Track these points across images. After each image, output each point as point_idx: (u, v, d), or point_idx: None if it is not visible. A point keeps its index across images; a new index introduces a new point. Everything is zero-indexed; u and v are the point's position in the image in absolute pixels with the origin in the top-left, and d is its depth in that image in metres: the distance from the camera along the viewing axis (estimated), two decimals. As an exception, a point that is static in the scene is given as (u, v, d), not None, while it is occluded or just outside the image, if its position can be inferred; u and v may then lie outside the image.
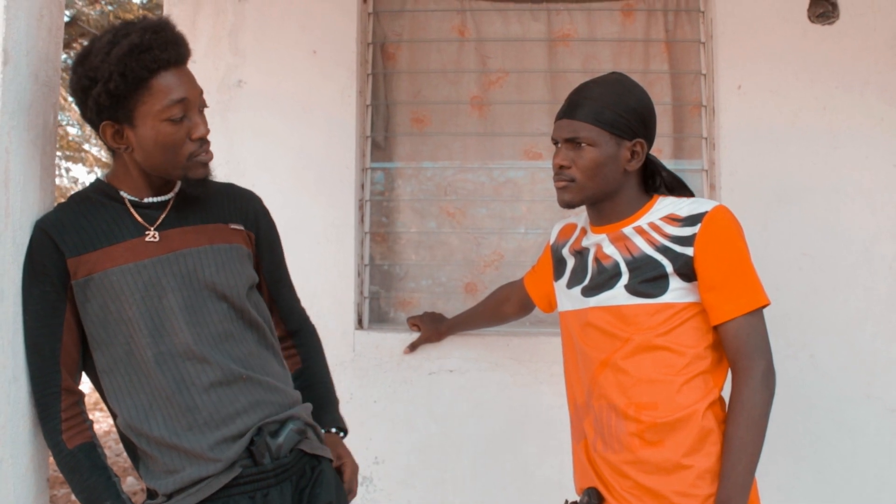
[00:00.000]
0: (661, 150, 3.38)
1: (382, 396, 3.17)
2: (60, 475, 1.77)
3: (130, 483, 5.64)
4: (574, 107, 1.95)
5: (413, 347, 3.09)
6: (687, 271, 1.88)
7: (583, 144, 1.91)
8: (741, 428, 1.84)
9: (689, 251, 1.87)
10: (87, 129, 11.66)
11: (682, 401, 1.88)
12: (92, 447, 1.76)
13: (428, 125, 3.45)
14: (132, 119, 1.70)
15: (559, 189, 1.99)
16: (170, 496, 1.73)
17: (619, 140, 1.91)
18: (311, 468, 1.85)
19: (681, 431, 1.88)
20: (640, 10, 3.39)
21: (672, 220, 1.92)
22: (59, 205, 1.84)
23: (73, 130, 12.30)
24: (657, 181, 2.07)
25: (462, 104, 3.44)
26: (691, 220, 1.89)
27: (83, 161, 12.33)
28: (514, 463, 3.12)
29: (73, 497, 1.78)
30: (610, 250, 1.97)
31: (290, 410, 1.84)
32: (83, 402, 1.80)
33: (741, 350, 1.87)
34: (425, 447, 3.15)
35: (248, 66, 3.27)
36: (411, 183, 3.49)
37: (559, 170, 1.96)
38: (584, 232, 2.11)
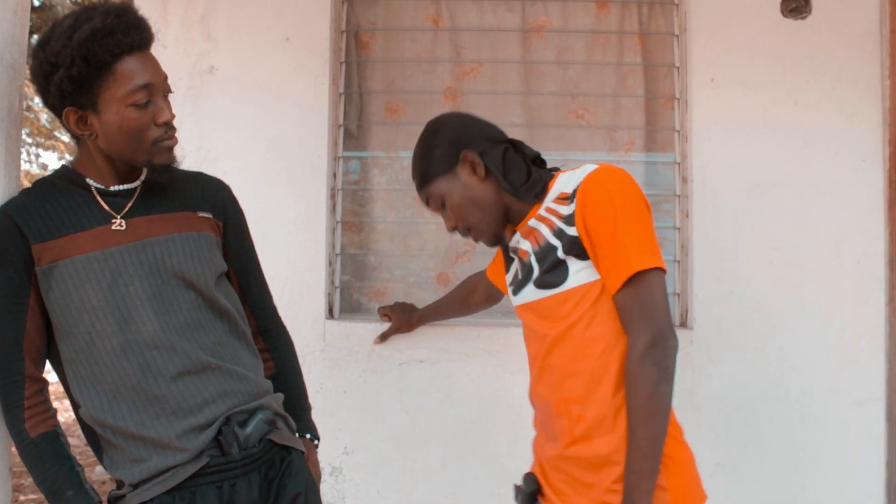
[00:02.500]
0: (634, 143, 3.39)
1: (352, 386, 3.15)
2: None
3: (99, 472, 5.58)
4: (417, 185, 2.04)
5: (384, 338, 3.08)
6: (577, 250, 1.79)
7: (442, 201, 1.98)
8: (631, 412, 1.71)
9: (573, 231, 1.79)
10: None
11: (605, 392, 1.78)
12: (55, 436, 1.73)
13: (402, 115, 3.43)
14: (96, 105, 1.67)
15: (477, 241, 2.04)
16: (136, 486, 1.71)
17: (452, 173, 1.95)
18: (281, 459, 1.83)
19: (607, 425, 1.78)
20: (615, 1, 3.39)
21: (562, 199, 1.85)
22: (24, 190, 1.81)
23: (45, 116, 12.14)
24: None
25: (436, 94, 3.42)
26: (573, 196, 1.81)
27: (54, 148, 12.17)
28: (484, 453, 3.12)
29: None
30: (525, 245, 1.94)
31: (260, 400, 1.82)
32: (47, 391, 1.77)
33: (625, 323, 1.75)
34: (395, 437, 3.15)
35: (220, 53, 3.23)
36: (385, 172, 3.47)
37: (455, 233, 2.03)
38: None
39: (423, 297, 3.31)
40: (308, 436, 2.01)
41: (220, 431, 1.73)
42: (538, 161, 2.02)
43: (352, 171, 3.45)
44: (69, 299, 1.70)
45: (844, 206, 3.16)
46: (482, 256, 3.34)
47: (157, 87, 1.71)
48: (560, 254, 1.81)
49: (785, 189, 3.15)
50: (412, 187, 3.48)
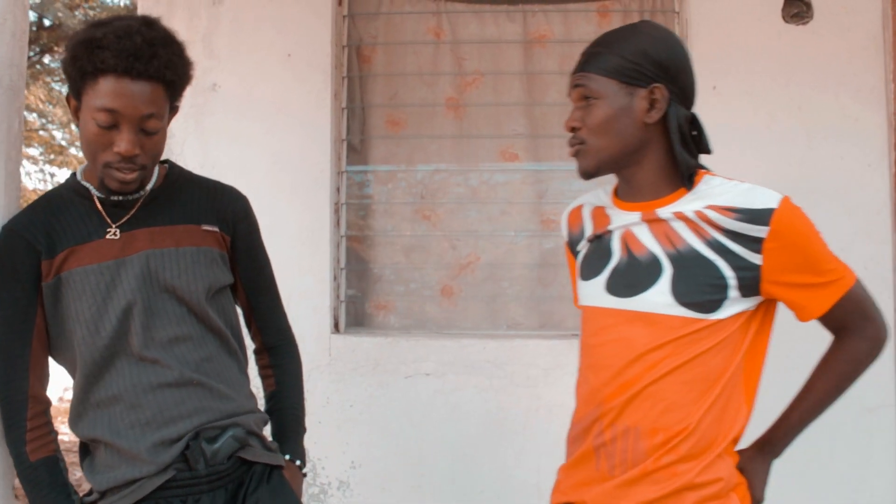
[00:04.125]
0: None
1: (359, 400, 3.15)
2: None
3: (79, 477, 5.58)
4: (584, 59, 1.68)
5: None
6: (752, 284, 1.55)
7: (591, 99, 1.63)
8: (824, 375, 1.70)
9: (755, 259, 1.53)
10: (71, 131, 11.62)
11: (715, 426, 1.59)
12: (54, 461, 1.74)
13: (404, 128, 3.44)
14: (80, 100, 1.68)
15: (574, 156, 1.70)
16: (103, 494, 1.72)
17: (630, 89, 1.60)
18: (252, 476, 1.82)
19: (699, 454, 1.57)
20: (616, 10, 3.39)
21: (726, 210, 1.56)
22: (30, 205, 1.81)
23: (59, 134, 12.25)
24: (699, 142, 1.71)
25: (438, 106, 3.43)
26: (753, 217, 1.54)
27: (67, 164, 12.27)
28: (491, 466, 3.11)
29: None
30: (645, 237, 1.63)
31: (235, 418, 1.81)
32: (49, 413, 1.78)
33: (846, 321, 1.66)
34: (402, 451, 3.14)
35: (223, 70, 3.26)
36: (388, 186, 3.48)
37: (571, 133, 1.69)
38: (603, 214, 1.75)
39: (427, 310, 3.31)
40: (290, 458, 1.93)
41: (187, 446, 1.73)
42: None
43: (354, 184, 3.46)
44: (66, 311, 1.71)
45: (850, 211, 3.13)
46: (487, 269, 3.34)
47: (125, 118, 1.64)
48: (729, 280, 1.55)
49: (790, 195, 3.11)
50: (416, 200, 3.55)
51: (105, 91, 1.63)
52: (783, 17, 3.18)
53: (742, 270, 1.54)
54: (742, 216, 1.54)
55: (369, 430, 3.15)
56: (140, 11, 3.28)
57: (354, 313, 3.42)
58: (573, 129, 1.67)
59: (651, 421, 1.58)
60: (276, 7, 3.26)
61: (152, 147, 1.70)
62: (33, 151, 12.00)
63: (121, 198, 1.77)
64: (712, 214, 1.56)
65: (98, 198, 1.77)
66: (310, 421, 3.10)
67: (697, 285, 1.55)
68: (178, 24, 3.21)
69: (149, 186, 1.81)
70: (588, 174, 1.67)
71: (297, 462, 1.94)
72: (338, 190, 3.32)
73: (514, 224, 3.41)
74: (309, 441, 3.12)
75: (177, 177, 1.86)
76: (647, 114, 1.61)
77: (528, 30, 3.43)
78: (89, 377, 1.72)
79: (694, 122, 1.67)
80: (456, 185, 3.44)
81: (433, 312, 3.15)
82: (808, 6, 3.17)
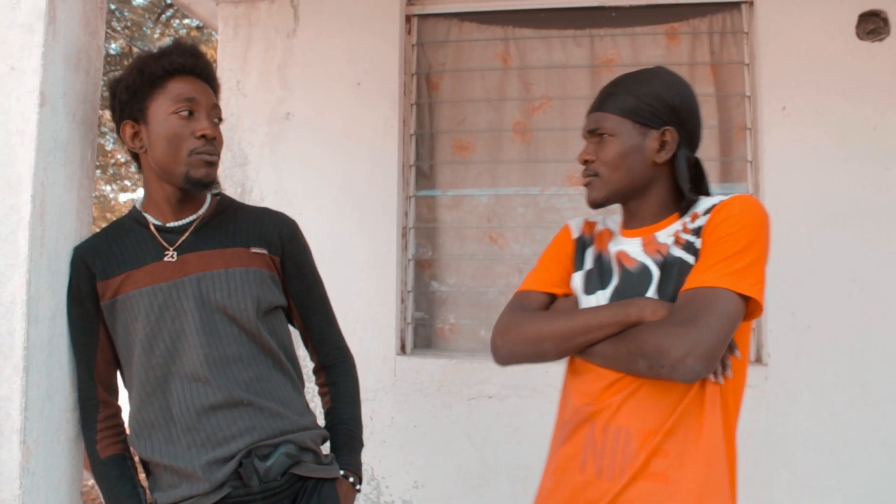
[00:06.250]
0: (708, 174, 3.31)
1: (422, 421, 3.20)
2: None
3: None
4: (601, 99, 1.79)
5: None
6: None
7: (605, 136, 1.75)
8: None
9: (697, 242, 1.64)
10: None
11: (709, 428, 1.61)
12: (122, 459, 1.88)
13: (472, 152, 3.49)
14: (146, 116, 1.83)
15: (585, 186, 1.80)
16: None
17: (643, 129, 1.72)
18: (306, 490, 1.89)
19: (691, 461, 1.60)
20: (685, 33, 3.36)
21: (694, 216, 1.70)
22: (97, 232, 1.97)
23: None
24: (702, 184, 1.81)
25: (505, 131, 3.47)
26: (706, 211, 1.67)
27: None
28: (553, 490, 3.10)
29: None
30: (636, 253, 1.75)
31: (288, 435, 1.88)
32: (120, 416, 1.92)
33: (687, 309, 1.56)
34: (464, 472, 3.17)
35: (296, 99, 3.39)
36: (455, 210, 3.53)
37: (584, 165, 1.79)
38: (609, 235, 1.86)
39: (494, 333, 3.33)
40: (343, 473, 2.00)
41: (240, 464, 1.81)
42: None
43: (426, 208, 3.52)
44: (127, 332, 1.84)
45: (929, 234, 3.00)
46: (554, 291, 3.34)
47: (201, 105, 1.85)
48: (692, 265, 1.63)
49: (864, 218, 3.02)
50: (483, 223, 3.59)
51: (179, 87, 1.83)
52: (857, 35, 3.08)
53: (693, 255, 1.64)
54: (702, 215, 1.67)
55: (432, 450, 3.19)
56: (220, 45, 3.45)
57: (423, 335, 3.47)
58: (586, 162, 1.78)
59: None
60: (347, 38, 3.38)
61: (220, 138, 1.89)
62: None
63: (177, 223, 1.90)
64: (687, 221, 1.70)
65: (154, 225, 1.90)
66: (374, 440, 3.20)
67: (679, 285, 1.62)
68: (255, 56, 3.39)
69: (200, 211, 1.94)
70: (596, 204, 1.78)
71: (351, 478, 2.00)
72: (405, 214, 3.39)
73: (580, 247, 3.40)
74: (374, 460, 3.22)
75: (227, 205, 1.98)
76: (656, 153, 1.73)
77: (595, 54, 3.43)
78: (143, 397, 1.83)
79: (697, 166, 1.77)
80: (522, 208, 3.47)
81: (498, 335, 3.17)
82: (886, 22, 3.07)
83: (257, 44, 3.44)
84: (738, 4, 3.32)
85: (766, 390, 3.01)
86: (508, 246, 3.45)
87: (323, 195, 3.33)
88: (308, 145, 3.36)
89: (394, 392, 3.22)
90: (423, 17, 3.52)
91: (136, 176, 13.17)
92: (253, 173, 3.40)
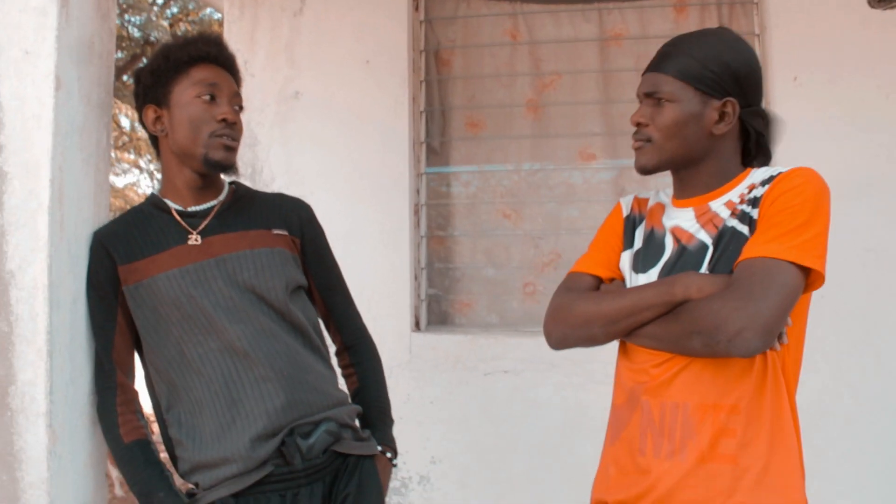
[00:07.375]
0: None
1: (438, 397, 3.22)
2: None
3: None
4: (660, 59, 1.69)
5: None
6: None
7: (663, 100, 1.65)
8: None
9: (754, 213, 1.57)
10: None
11: (768, 401, 1.57)
12: (147, 443, 1.88)
13: (483, 129, 3.48)
14: (169, 100, 1.87)
15: (635, 151, 1.72)
16: (207, 487, 1.83)
17: (705, 98, 1.63)
18: (347, 467, 1.90)
19: (754, 434, 1.56)
20: (693, 4, 3.34)
21: (751, 186, 1.62)
22: (116, 217, 1.99)
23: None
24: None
25: (516, 107, 3.46)
26: (764, 182, 1.59)
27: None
28: (569, 463, 3.11)
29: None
30: (693, 228, 1.67)
31: (327, 412, 1.90)
32: (138, 402, 1.92)
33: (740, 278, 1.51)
34: (481, 447, 3.19)
35: (304, 78, 3.38)
36: (468, 187, 3.53)
37: (636, 127, 1.70)
38: (661, 209, 1.79)
39: (509, 308, 3.34)
40: (380, 449, 2.02)
41: (283, 442, 1.82)
42: None
43: (433, 185, 3.52)
44: (157, 315, 1.85)
45: (943, 203, 3.00)
46: (567, 267, 3.33)
47: (223, 91, 1.89)
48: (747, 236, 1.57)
49: (877, 188, 3.02)
50: (496, 199, 3.59)
51: (202, 73, 1.88)
52: (869, 3, 3.04)
53: (750, 226, 1.56)
54: (759, 185, 1.59)
55: (449, 426, 3.21)
56: (226, 25, 3.45)
57: (438, 311, 3.49)
58: (638, 125, 1.69)
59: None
60: (355, 16, 3.36)
61: (240, 125, 1.94)
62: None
63: (198, 208, 1.92)
64: (746, 193, 1.61)
65: (176, 210, 1.91)
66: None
67: (734, 257, 1.55)
68: (262, 35, 3.38)
69: (221, 197, 1.96)
70: (646, 170, 1.70)
71: (388, 453, 2.02)
72: (417, 191, 3.39)
73: (592, 222, 3.40)
74: (391, 436, 3.23)
75: (243, 192, 2.01)
76: (715, 125, 1.63)
77: (603, 28, 3.42)
78: (192, 372, 1.83)
79: (761, 137, 1.69)
80: (535, 184, 3.46)
81: (514, 310, 3.19)
82: (898, -11, 3.05)
83: (264, 23, 3.43)
84: (747, -26, 3.30)
85: (781, 361, 3.01)
86: (521, 222, 3.45)
87: (334, 174, 3.34)
88: (317, 124, 3.36)
89: (409, 368, 3.24)
90: (431, -8, 3.51)
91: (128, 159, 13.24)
92: (263, 153, 3.40)
